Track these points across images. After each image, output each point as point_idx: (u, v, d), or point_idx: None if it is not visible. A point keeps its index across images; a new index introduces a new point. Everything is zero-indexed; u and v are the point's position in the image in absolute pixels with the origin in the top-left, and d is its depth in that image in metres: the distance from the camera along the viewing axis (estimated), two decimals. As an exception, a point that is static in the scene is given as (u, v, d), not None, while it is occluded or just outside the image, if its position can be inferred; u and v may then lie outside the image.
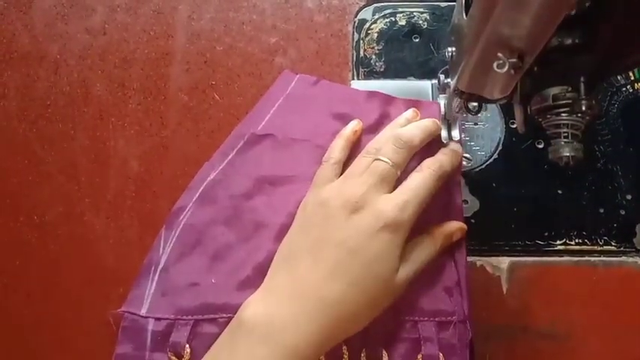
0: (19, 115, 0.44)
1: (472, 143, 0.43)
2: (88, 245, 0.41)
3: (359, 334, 0.33)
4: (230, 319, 0.33)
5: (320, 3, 0.46)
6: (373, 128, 0.39)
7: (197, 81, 0.44)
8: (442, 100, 0.39)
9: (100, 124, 0.44)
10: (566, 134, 0.26)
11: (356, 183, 0.33)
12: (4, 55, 0.45)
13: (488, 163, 0.42)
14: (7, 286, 0.40)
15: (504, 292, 0.39)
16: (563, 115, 0.26)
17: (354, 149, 0.38)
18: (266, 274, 0.34)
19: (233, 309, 0.33)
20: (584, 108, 0.25)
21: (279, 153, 0.40)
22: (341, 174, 0.36)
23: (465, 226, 0.37)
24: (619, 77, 0.43)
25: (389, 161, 0.34)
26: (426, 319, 0.35)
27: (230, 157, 0.40)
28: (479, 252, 0.40)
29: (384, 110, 0.40)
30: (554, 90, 0.26)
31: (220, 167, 0.40)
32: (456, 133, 0.39)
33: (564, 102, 0.26)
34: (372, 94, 0.41)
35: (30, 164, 0.43)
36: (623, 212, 0.40)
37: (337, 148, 0.37)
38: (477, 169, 0.42)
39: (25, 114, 0.44)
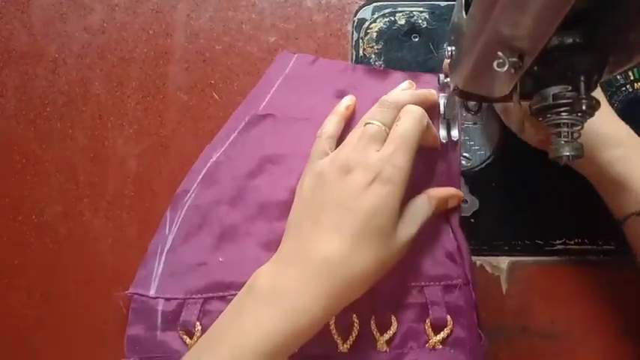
0: (18, 115, 0.44)
1: (472, 143, 0.42)
2: (87, 244, 0.41)
3: (368, 302, 0.34)
4: None
5: (319, 2, 0.46)
6: (372, 103, 0.39)
7: (196, 80, 0.44)
8: (442, 100, 0.39)
9: (98, 123, 0.44)
10: (566, 133, 0.26)
11: (348, 149, 0.34)
12: (2, 54, 0.45)
13: (487, 162, 0.42)
14: (6, 285, 0.40)
15: (504, 292, 0.39)
16: (563, 114, 0.26)
17: (350, 124, 0.39)
18: (271, 250, 0.34)
19: (241, 286, 0.33)
20: (584, 107, 0.25)
21: (280, 132, 0.41)
22: (336, 148, 0.36)
23: (461, 193, 0.37)
24: (618, 77, 0.42)
25: (377, 122, 0.35)
26: (431, 283, 0.36)
27: (232, 138, 0.41)
28: (478, 252, 0.40)
29: (383, 84, 0.41)
30: (554, 89, 0.26)
31: (223, 148, 0.41)
32: (455, 133, 0.39)
33: (564, 101, 0.26)
34: (370, 70, 0.42)
35: (28, 163, 0.43)
36: (622, 212, 0.40)
37: (330, 123, 0.38)
38: (477, 169, 0.42)
39: (24, 113, 0.44)
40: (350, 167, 0.33)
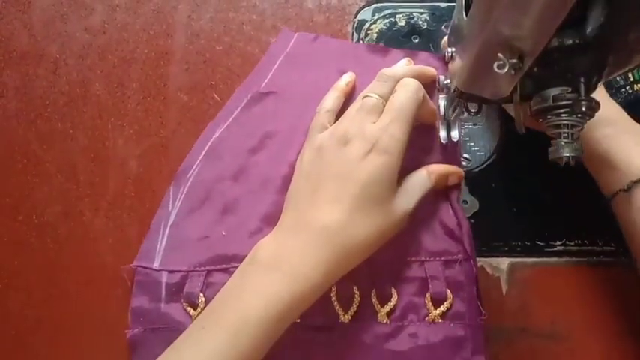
0: (18, 115, 0.44)
1: (471, 144, 0.42)
2: (88, 245, 0.41)
3: (368, 274, 0.36)
4: None
5: (320, 3, 0.46)
6: (371, 80, 0.40)
7: (196, 81, 0.44)
8: (442, 101, 0.39)
9: (99, 123, 0.44)
10: (566, 135, 0.26)
11: (346, 121, 0.35)
12: (3, 55, 0.45)
13: (487, 163, 0.42)
14: (7, 285, 0.40)
15: (504, 292, 0.39)
16: (563, 115, 0.26)
17: (349, 100, 0.39)
18: (273, 224, 0.35)
19: (243, 258, 0.34)
20: (584, 108, 0.25)
21: (282, 109, 0.41)
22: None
23: (461, 171, 0.38)
24: (618, 78, 0.43)
25: (375, 95, 0.35)
26: (431, 259, 0.37)
27: (234, 114, 0.42)
28: (478, 252, 0.40)
29: (383, 61, 0.42)
30: (554, 90, 0.26)
31: (225, 125, 0.42)
32: (455, 134, 0.39)
33: (564, 102, 0.26)
34: (370, 47, 0.43)
35: (29, 164, 0.43)
36: (622, 213, 0.40)
37: (329, 98, 0.39)
38: (477, 170, 0.42)
39: (24, 113, 0.44)
40: (348, 138, 0.34)
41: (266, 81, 0.42)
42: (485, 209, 0.41)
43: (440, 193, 0.38)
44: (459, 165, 0.39)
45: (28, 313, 0.40)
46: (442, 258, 0.37)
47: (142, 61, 0.45)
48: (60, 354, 0.39)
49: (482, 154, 0.42)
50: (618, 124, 0.35)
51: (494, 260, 0.40)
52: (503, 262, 0.40)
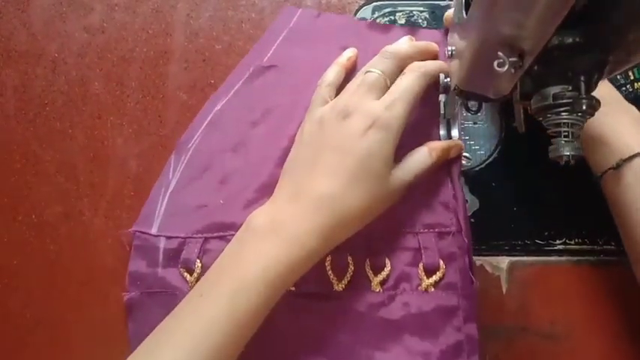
0: (17, 114, 0.44)
1: (472, 142, 0.42)
2: (87, 244, 0.41)
3: (363, 244, 0.36)
4: None
5: (319, 1, 0.46)
6: (373, 56, 0.40)
7: (196, 79, 0.44)
8: (442, 100, 0.39)
9: (98, 122, 0.44)
10: (566, 133, 0.26)
11: (347, 95, 0.36)
12: (1, 54, 0.45)
13: (487, 162, 0.42)
14: (6, 285, 0.40)
15: (504, 292, 0.39)
16: (563, 114, 0.26)
17: (350, 76, 0.39)
18: (270, 194, 0.36)
19: (239, 227, 0.35)
20: (584, 107, 0.25)
21: (283, 83, 0.42)
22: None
23: (461, 144, 0.38)
24: (618, 77, 0.42)
25: (377, 70, 0.36)
26: (425, 230, 0.37)
27: (236, 87, 0.43)
28: (478, 251, 0.40)
29: (385, 38, 0.42)
30: (555, 89, 0.26)
31: (227, 98, 0.42)
32: (455, 132, 0.39)
33: (564, 101, 0.26)
34: (373, 24, 0.44)
35: (28, 163, 0.43)
36: (623, 212, 0.40)
37: (331, 72, 0.39)
38: (477, 169, 0.42)
39: (23, 113, 0.44)
40: (348, 112, 0.34)
41: (268, 55, 0.43)
42: (486, 208, 0.41)
43: (442, 166, 0.38)
44: (459, 163, 0.39)
45: (28, 313, 0.40)
46: (436, 230, 0.37)
47: (141, 60, 0.45)
48: (60, 354, 0.39)
49: (482, 152, 0.42)
50: (609, 103, 0.35)
51: (494, 259, 0.40)
52: (503, 261, 0.40)
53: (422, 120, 0.39)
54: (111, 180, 0.42)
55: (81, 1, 0.46)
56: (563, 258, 0.40)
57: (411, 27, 0.43)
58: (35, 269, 0.40)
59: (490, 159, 0.42)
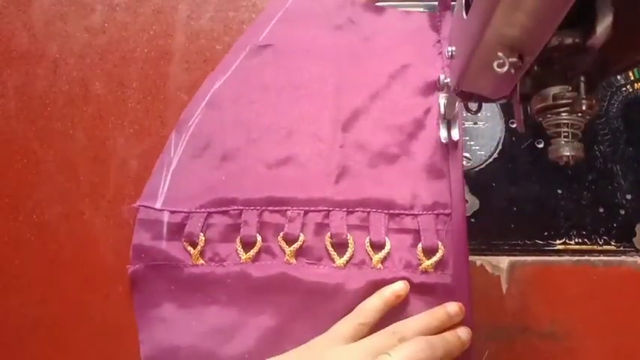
0: (18, 114, 0.44)
1: (472, 143, 0.42)
2: (88, 244, 0.41)
3: (363, 228, 0.38)
4: (240, 211, 0.39)
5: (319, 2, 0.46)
6: (366, 39, 0.43)
7: (196, 80, 0.44)
8: (442, 100, 0.39)
9: (99, 123, 0.44)
10: (566, 134, 0.26)
11: None
12: (3, 54, 0.45)
13: (488, 162, 0.42)
14: (7, 285, 0.40)
15: (504, 291, 0.39)
16: (563, 114, 0.26)
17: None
18: (271, 168, 0.40)
19: (242, 202, 0.39)
20: (584, 107, 0.25)
21: (280, 62, 0.43)
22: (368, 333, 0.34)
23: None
24: (619, 77, 0.43)
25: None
26: (424, 212, 0.38)
27: (234, 67, 0.44)
28: (479, 251, 0.40)
29: (380, 19, 0.44)
30: (554, 89, 0.26)
31: (225, 77, 0.43)
32: (455, 133, 0.39)
33: (564, 101, 0.26)
34: (367, 6, 0.45)
35: (29, 163, 0.43)
36: (622, 212, 0.40)
37: (372, 309, 0.35)
38: (477, 169, 0.42)
39: (24, 113, 0.44)
40: None
41: (264, 34, 0.44)
42: (486, 208, 0.41)
43: (444, 156, 0.39)
44: (461, 163, 0.39)
45: (28, 313, 0.40)
46: (435, 212, 0.38)
47: (142, 61, 0.45)
48: (60, 354, 0.39)
49: (482, 152, 0.42)
50: None
51: (494, 259, 0.40)
52: (504, 261, 0.40)
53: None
54: (111, 180, 0.42)
55: (82, 2, 0.46)
56: (564, 258, 0.40)
57: (404, 11, 0.45)
58: (36, 269, 0.40)
59: (490, 159, 0.42)
